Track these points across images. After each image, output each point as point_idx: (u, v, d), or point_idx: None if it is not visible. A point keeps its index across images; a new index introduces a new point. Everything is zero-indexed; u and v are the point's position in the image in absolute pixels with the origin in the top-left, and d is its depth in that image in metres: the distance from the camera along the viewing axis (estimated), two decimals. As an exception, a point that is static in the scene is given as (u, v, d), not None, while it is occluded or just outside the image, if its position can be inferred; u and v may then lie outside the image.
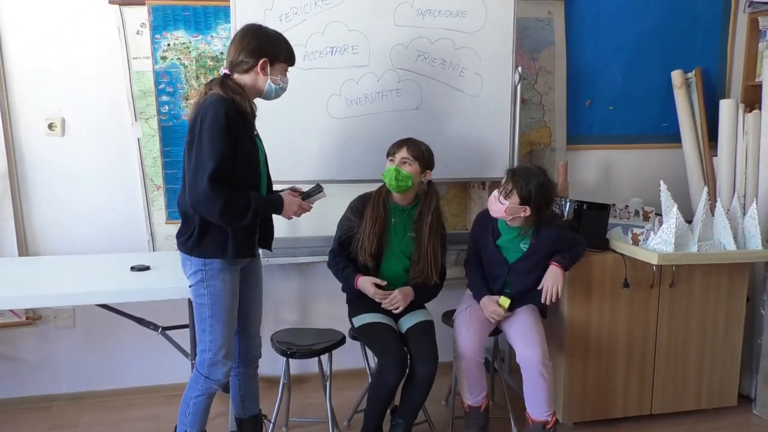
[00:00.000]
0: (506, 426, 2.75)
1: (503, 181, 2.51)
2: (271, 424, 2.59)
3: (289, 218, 2.22)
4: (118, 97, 2.90)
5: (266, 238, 2.31)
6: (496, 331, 2.64)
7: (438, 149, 2.59)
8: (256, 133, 2.20)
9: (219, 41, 2.92)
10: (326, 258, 2.66)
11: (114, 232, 2.96)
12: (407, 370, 2.41)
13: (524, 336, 2.49)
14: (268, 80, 2.13)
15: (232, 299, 2.15)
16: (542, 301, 2.51)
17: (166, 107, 2.91)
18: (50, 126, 2.85)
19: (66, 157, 2.89)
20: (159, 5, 2.84)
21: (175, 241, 2.16)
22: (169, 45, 2.88)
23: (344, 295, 2.68)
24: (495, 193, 2.51)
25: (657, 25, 3.39)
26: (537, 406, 2.44)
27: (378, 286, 2.49)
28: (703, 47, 3.47)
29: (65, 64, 2.83)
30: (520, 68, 2.94)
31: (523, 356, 2.45)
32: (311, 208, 2.26)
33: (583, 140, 3.42)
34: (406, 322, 2.55)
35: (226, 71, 2.12)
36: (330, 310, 3.15)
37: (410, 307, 2.57)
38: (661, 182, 2.68)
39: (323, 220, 2.85)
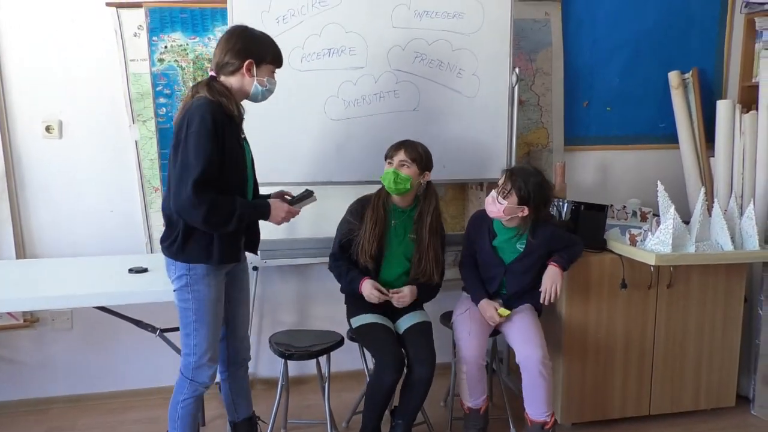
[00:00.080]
0: (505, 427, 2.75)
1: (500, 181, 2.51)
2: (269, 427, 2.59)
3: (278, 224, 2.19)
4: (115, 99, 2.89)
5: (252, 242, 2.30)
6: (495, 332, 2.64)
7: (436, 150, 2.59)
8: (243, 136, 2.17)
9: (216, 43, 2.91)
10: (324, 260, 2.66)
11: (112, 234, 2.96)
12: (405, 371, 2.42)
13: (524, 336, 2.49)
14: (255, 82, 2.11)
15: (216, 304, 2.13)
16: (541, 302, 2.52)
17: (164, 109, 2.91)
18: (48, 128, 2.85)
19: (64, 159, 2.88)
20: (156, 7, 2.84)
21: None
22: (166, 47, 2.88)
23: (342, 296, 2.68)
24: (493, 193, 2.51)
25: (654, 26, 3.39)
26: (536, 406, 2.44)
27: (381, 291, 2.49)
28: (700, 48, 3.47)
29: (63, 67, 2.83)
30: (517, 69, 2.94)
31: (523, 356, 2.45)
32: (299, 212, 2.24)
33: (580, 141, 3.43)
34: (404, 323, 2.55)
35: (213, 73, 2.11)
36: (328, 311, 3.15)
37: (409, 308, 2.57)
38: (659, 183, 2.68)
39: (321, 222, 2.86)
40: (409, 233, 2.57)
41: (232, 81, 2.10)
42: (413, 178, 2.48)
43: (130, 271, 2.55)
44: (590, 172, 3.48)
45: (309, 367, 3.00)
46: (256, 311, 3.15)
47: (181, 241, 2.04)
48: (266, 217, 2.16)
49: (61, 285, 2.44)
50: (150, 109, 2.91)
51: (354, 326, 2.57)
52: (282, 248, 2.89)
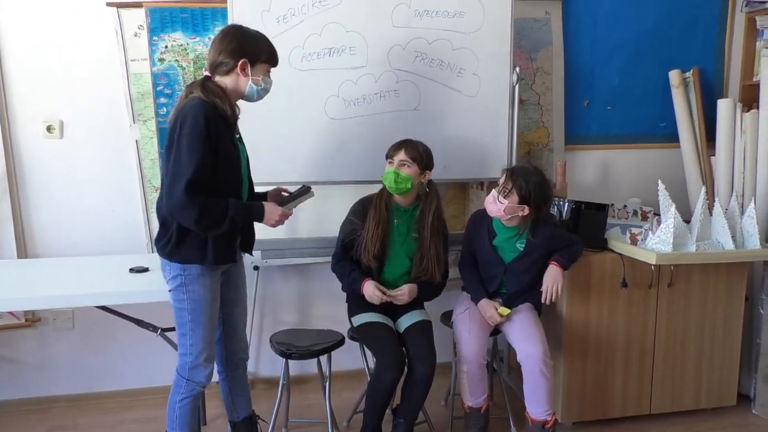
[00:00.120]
0: (505, 426, 2.75)
1: (501, 180, 2.51)
2: (270, 426, 2.59)
3: (272, 226, 2.17)
4: (116, 99, 2.90)
5: (247, 242, 2.29)
6: (495, 331, 2.64)
7: (436, 150, 2.59)
8: (238, 136, 2.16)
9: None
10: (325, 259, 2.66)
11: (113, 234, 2.97)
12: (405, 370, 2.42)
13: (525, 334, 2.49)
14: (249, 81, 2.09)
15: (212, 304, 2.13)
16: (543, 301, 2.52)
17: (164, 109, 2.91)
18: (48, 128, 2.85)
19: (64, 159, 2.89)
20: (156, 7, 2.84)
21: None
22: (166, 47, 2.88)
23: (343, 296, 2.69)
24: (493, 192, 2.51)
25: (654, 25, 3.39)
26: (537, 405, 2.45)
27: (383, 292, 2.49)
28: (701, 47, 3.47)
29: (63, 67, 2.83)
30: (517, 69, 2.94)
31: (524, 354, 2.45)
32: (291, 214, 2.21)
33: (581, 140, 3.43)
34: (405, 322, 2.56)
35: (207, 73, 2.10)
36: (329, 311, 3.15)
37: (409, 306, 2.58)
38: (659, 182, 2.68)
39: (322, 221, 2.86)
40: (411, 232, 2.57)
41: (226, 81, 2.08)
42: (414, 178, 2.48)
43: (131, 270, 2.55)
44: (591, 171, 3.48)
45: (310, 366, 3.01)
46: (256, 311, 3.15)
47: (175, 241, 2.04)
48: (260, 219, 2.14)
49: (62, 285, 2.44)
50: (150, 108, 2.91)
51: (355, 325, 2.57)
52: (283, 248, 2.89)
